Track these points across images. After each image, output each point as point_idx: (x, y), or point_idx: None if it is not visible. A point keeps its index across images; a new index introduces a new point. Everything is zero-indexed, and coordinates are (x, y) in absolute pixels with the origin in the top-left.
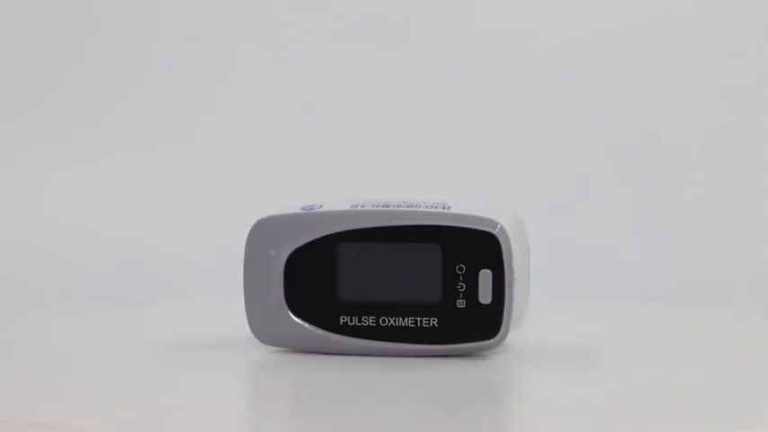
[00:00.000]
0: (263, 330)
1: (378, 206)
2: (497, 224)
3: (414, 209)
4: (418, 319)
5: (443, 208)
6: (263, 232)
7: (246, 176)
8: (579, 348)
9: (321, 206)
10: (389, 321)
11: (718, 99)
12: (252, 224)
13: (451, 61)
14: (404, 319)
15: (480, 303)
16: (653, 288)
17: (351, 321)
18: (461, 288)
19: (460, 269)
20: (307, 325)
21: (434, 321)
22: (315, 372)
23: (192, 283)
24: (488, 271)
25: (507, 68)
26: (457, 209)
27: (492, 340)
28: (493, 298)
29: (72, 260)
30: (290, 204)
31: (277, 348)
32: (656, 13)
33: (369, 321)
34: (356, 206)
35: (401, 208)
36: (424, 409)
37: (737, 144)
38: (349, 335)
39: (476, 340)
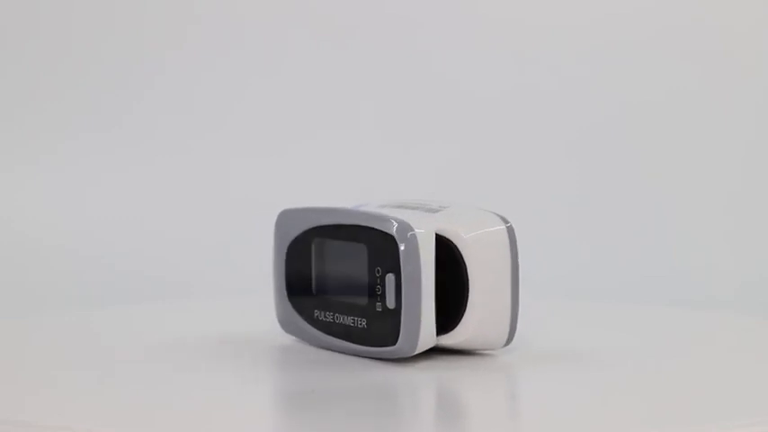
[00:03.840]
0: (280, 318)
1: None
2: (406, 228)
3: (355, 208)
4: (355, 318)
5: (431, 210)
6: (279, 223)
7: (245, 176)
8: (577, 348)
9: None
10: (340, 319)
11: (724, 107)
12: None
13: (465, 66)
14: (346, 318)
15: (388, 308)
16: (653, 289)
17: (320, 316)
18: (379, 291)
19: (378, 272)
20: (299, 316)
21: (363, 322)
22: (309, 372)
23: (192, 283)
24: (392, 275)
25: (526, 75)
26: (432, 212)
27: (393, 347)
28: (396, 303)
29: (71, 262)
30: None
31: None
32: (669, 24)
33: (329, 317)
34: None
35: (345, 207)
36: (418, 408)
37: (739, 149)
38: (319, 329)
39: (383, 345)
